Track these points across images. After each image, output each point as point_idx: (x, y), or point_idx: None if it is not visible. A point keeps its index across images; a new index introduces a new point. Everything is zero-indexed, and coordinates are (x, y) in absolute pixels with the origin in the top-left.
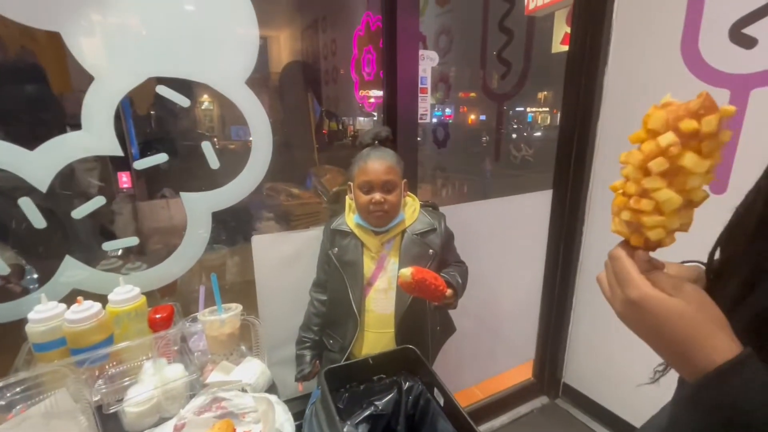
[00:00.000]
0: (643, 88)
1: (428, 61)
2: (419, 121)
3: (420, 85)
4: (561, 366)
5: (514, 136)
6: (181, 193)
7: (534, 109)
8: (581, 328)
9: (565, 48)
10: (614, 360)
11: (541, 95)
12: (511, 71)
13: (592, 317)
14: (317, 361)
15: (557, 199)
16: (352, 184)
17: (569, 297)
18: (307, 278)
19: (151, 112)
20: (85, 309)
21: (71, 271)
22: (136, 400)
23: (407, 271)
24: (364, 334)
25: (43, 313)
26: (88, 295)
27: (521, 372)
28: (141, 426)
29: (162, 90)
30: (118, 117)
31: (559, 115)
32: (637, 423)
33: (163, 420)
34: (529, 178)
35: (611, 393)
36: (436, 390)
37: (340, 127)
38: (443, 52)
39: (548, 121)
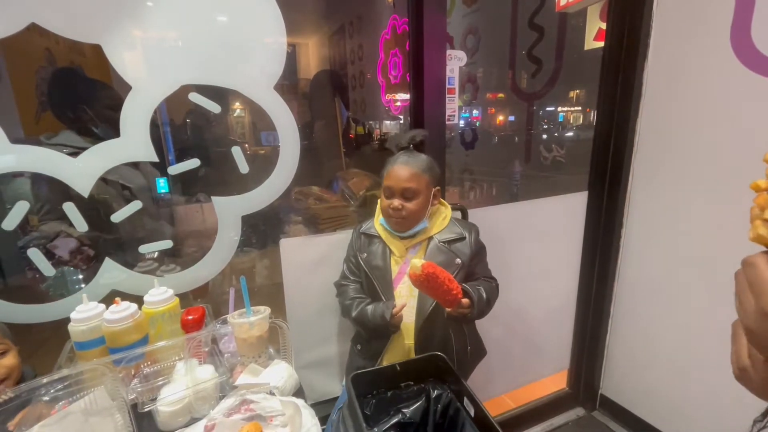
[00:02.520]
0: (688, 81)
1: (456, 61)
2: (447, 122)
3: (447, 86)
4: (599, 377)
5: (544, 136)
6: (213, 198)
7: (565, 109)
8: (620, 337)
9: (599, 44)
10: (657, 372)
11: (573, 94)
12: (542, 70)
13: (633, 326)
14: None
15: (593, 201)
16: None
17: (607, 304)
18: (333, 279)
19: (187, 120)
20: (123, 309)
21: (110, 272)
22: (169, 399)
23: (418, 262)
24: (393, 338)
25: (84, 313)
26: (126, 297)
27: (555, 382)
28: (174, 425)
29: (195, 97)
30: (155, 125)
31: (592, 113)
32: None
33: (194, 420)
34: (560, 180)
35: (654, 407)
36: (465, 399)
37: (366, 131)
38: (471, 53)
39: (581, 121)
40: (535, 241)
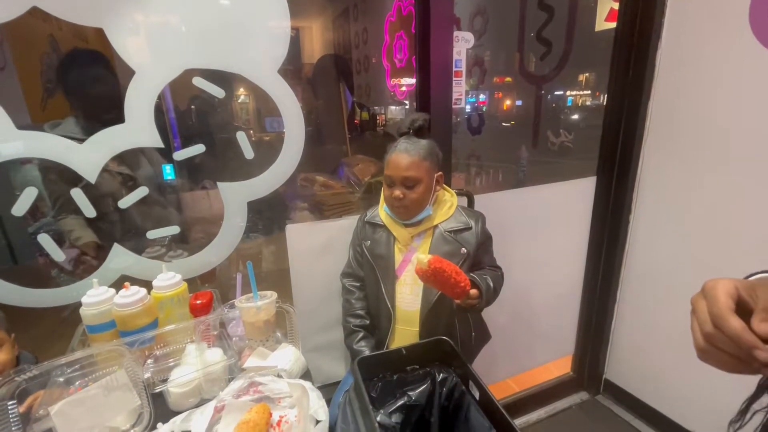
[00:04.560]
0: (703, 63)
1: (463, 43)
2: (453, 106)
3: (454, 69)
4: (603, 362)
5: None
6: (218, 183)
7: (574, 93)
8: (626, 323)
9: (611, 25)
10: (662, 357)
11: (582, 77)
12: (551, 52)
13: (639, 312)
14: None
15: (601, 186)
16: None
17: (613, 290)
18: (340, 266)
19: (192, 107)
20: (132, 294)
21: (120, 258)
22: (180, 381)
23: (424, 258)
24: (396, 328)
25: (95, 297)
26: (136, 281)
27: (559, 367)
28: (184, 406)
29: (198, 82)
30: (160, 111)
31: (602, 97)
32: (686, 423)
33: (204, 401)
34: (568, 166)
35: (658, 391)
36: (471, 383)
37: (371, 117)
38: (478, 35)
39: (589, 105)
40: (542, 227)
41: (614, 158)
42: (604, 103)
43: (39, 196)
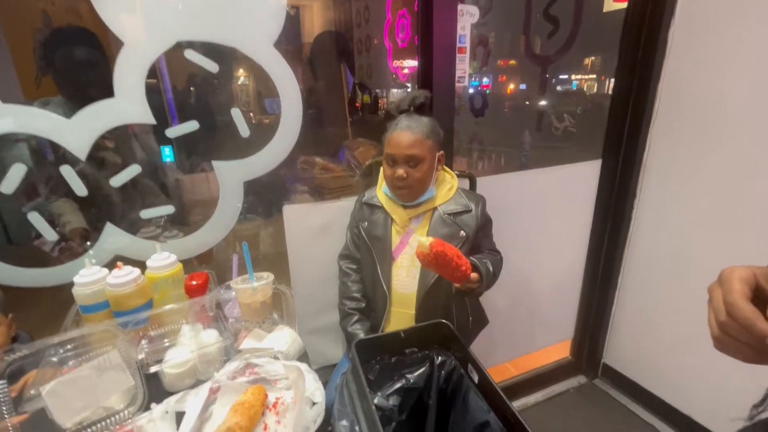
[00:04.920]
0: (718, 42)
1: (467, 17)
2: (456, 84)
3: (458, 44)
4: (602, 346)
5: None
6: (214, 162)
7: (579, 77)
8: (627, 308)
9: (620, 5)
10: (661, 342)
11: (588, 61)
12: (558, 31)
13: (640, 297)
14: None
15: (607, 169)
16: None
17: (615, 275)
18: (338, 248)
19: (191, 88)
20: (125, 274)
21: (114, 237)
22: (174, 362)
23: (426, 241)
24: (392, 311)
25: (87, 276)
26: (131, 262)
27: (558, 351)
28: (180, 387)
29: (191, 55)
30: (158, 91)
31: (607, 82)
32: (683, 407)
33: (200, 382)
34: (570, 151)
35: (656, 376)
36: (470, 366)
37: (373, 100)
38: (484, 11)
39: (595, 90)
40: (545, 210)
41: (621, 141)
42: (610, 87)
43: (34, 175)
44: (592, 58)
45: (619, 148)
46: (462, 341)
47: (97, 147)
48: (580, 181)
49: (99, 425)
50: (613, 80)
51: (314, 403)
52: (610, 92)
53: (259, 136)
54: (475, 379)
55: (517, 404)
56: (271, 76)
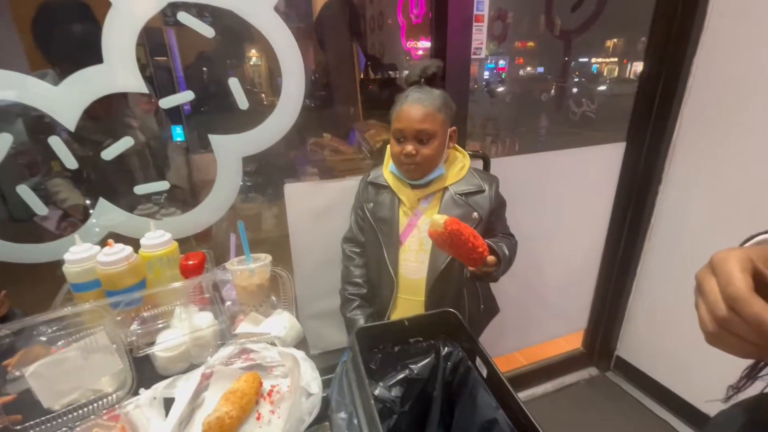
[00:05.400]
0: (758, 20)
1: None
2: (472, 56)
3: (475, 12)
4: (616, 338)
5: (575, 90)
6: (210, 136)
7: (600, 60)
8: (643, 299)
9: None
10: (678, 335)
11: (610, 43)
12: (582, 8)
13: (658, 288)
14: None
15: (631, 153)
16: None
17: (633, 264)
18: (342, 229)
19: (203, 68)
20: (116, 252)
21: (107, 214)
22: (165, 345)
23: (440, 219)
24: (399, 297)
25: (78, 254)
26: (125, 240)
27: (570, 341)
28: (172, 371)
29: (184, 17)
30: (167, 69)
31: (629, 66)
32: (696, 402)
33: (193, 366)
34: (588, 137)
35: (670, 370)
36: (478, 359)
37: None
38: None
39: (616, 73)
40: (562, 195)
41: (648, 124)
42: (632, 71)
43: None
44: (615, 40)
45: (645, 131)
46: (470, 332)
47: (88, 117)
48: (601, 164)
49: (87, 408)
50: (635, 65)
51: (311, 394)
52: (631, 77)
53: (261, 114)
54: (484, 372)
55: (524, 395)
56: (269, 40)
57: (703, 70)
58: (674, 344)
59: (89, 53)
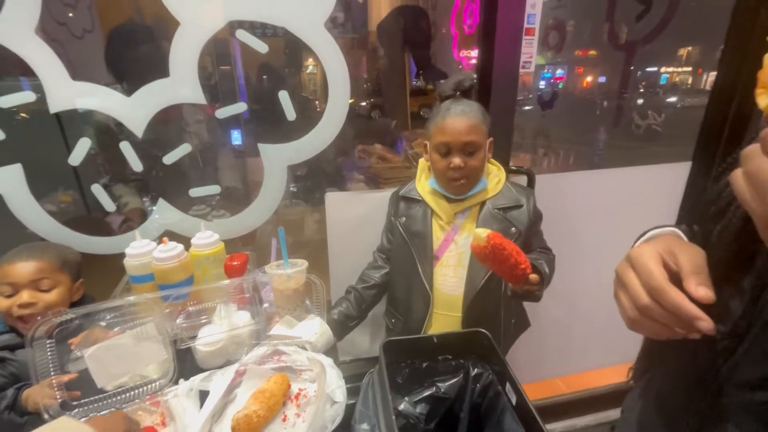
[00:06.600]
0: None
1: None
2: (521, 70)
3: (526, 25)
4: None
5: (640, 101)
6: (259, 144)
7: (671, 69)
8: None
9: None
10: None
11: (683, 51)
12: (650, 12)
13: None
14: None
15: (696, 174)
16: (428, 143)
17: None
18: (377, 240)
19: (263, 76)
20: (170, 249)
21: (165, 213)
22: (206, 340)
23: (483, 233)
24: (434, 313)
25: (137, 249)
26: (179, 238)
27: (618, 373)
28: (211, 365)
29: (241, 35)
30: (230, 77)
31: (705, 76)
32: None
33: (230, 362)
34: (651, 152)
35: None
36: (508, 384)
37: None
38: None
39: (689, 83)
40: (616, 215)
41: (718, 143)
42: (708, 82)
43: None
44: (689, 48)
45: (714, 152)
46: (501, 356)
47: (154, 125)
48: (662, 185)
49: (134, 392)
50: (711, 74)
51: (335, 402)
52: (707, 87)
53: (309, 124)
54: (513, 399)
55: (563, 425)
56: (318, 55)
57: None
58: None
59: (155, 68)
